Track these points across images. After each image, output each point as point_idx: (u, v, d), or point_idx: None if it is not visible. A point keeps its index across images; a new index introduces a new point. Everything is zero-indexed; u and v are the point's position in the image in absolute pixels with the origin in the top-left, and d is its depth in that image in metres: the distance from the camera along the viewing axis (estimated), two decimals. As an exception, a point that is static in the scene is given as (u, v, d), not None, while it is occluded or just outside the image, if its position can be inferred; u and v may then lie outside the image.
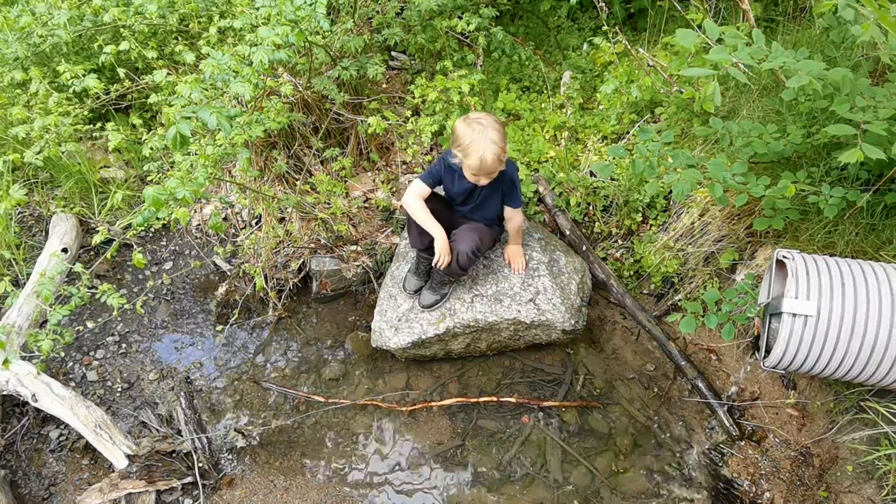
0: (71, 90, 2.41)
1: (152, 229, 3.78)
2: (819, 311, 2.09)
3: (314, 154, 3.68)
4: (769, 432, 3.02)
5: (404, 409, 3.09)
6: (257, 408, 3.10)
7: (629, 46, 3.34)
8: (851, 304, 2.06)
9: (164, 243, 3.79)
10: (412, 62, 4.38)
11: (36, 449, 2.88)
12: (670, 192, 3.60)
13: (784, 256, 2.29)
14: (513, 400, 3.12)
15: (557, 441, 3.00)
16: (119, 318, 3.40)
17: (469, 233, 2.87)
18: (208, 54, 2.12)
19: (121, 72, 2.79)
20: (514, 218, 2.98)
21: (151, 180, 2.99)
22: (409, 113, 3.58)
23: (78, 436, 2.88)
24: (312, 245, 3.60)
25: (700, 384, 3.18)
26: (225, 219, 3.87)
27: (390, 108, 3.86)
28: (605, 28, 3.20)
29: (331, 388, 3.21)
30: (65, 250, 3.25)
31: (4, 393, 2.81)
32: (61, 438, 2.90)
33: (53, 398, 2.71)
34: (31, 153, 2.68)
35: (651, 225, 3.58)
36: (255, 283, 3.38)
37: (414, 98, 3.53)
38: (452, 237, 2.90)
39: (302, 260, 3.55)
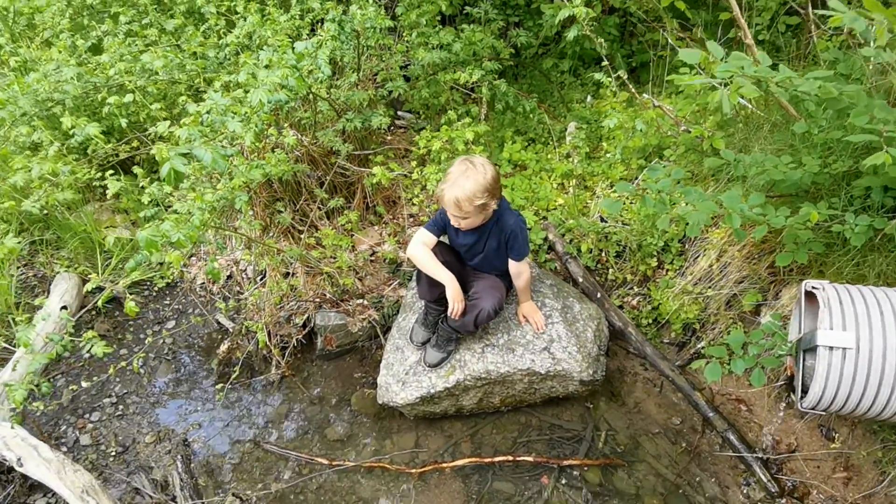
0: (73, 139, 2.40)
1: (156, 288, 3.71)
2: (858, 343, 1.93)
3: (319, 208, 3.64)
4: (812, 488, 2.76)
5: (413, 471, 2.89)
6: (257, 471, 2.91)
7: (634, 92, 3.33)
8: (894, 334, 1.90)
9: (168, 302, 3.70)
10: (417, 120, 4.42)
11: (19, 521, 2.70)
12: (685, 235, 3.49)
13: (814, 287, 2.14)
14: (530, 459, 2.91)
15: (580, 503, 2.76)
16: (117, 379, 3.27)
17: (492, 291, 2.77)
18: (208, 98, 2.10)
19: (123, 122, 2.80)
20: (521, 273, 2.84)
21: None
22: (414, 164, 3.55)
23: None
24: (318, 300, 3.49)
25: (731, 437, 2.95)
26: (229, 276, 3.80)
27: (396, 162, 3.85)
28: (606, 81, 3.19)
29: (335, 449, 3.02)
30: (64, 307, 3.17)
31: (-12, 458, 2.66)
32: (47, 508, 2.72)
33: (39, 462, 2.55)
34: (28, 202, 2.64)
35: (667, 270, 3.44)
36: (257, 340, 3.26)
37: (419, 149, 3.51)
38: (474, 295, 2.80)
39: (307, 315, 3.44)
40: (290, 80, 2.18)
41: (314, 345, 3.47)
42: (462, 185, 2.41)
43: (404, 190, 3.64)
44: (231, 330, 3.44)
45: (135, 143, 3.54)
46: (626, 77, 3.38)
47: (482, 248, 2.80)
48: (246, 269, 3.77)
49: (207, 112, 2.00)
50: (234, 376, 3.12)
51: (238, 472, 2.91)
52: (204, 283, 3.76)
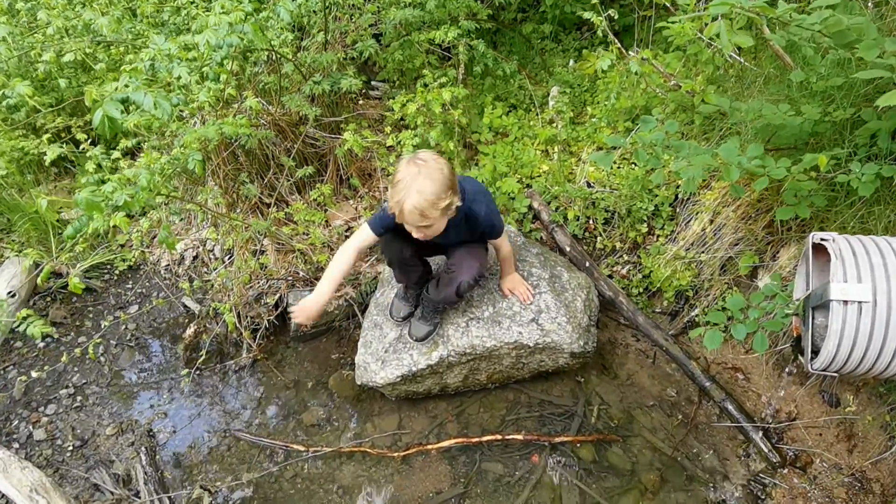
0: (3, 104, 2.16)
1: (117, 271, 3.46)
2: (875, 296, 1.77)
3: (288, 180, 3.41)
4: (815, 456, 2.64)
5: (397, 454, 2.70)
6: (229, 462, 2.70)
7: (621, 46, 3.14)
8: (912, 284, 1.74)
9: (130, 286, 3.46)
10: (392, 90, 4.19)
11: (-32, 523, 2.47)
12: (675, 198, 3.33)
13: (823, 239, 1.98)
14: (520, 437, 2.74)
15: (574, 482, 2.61)
16: (75, 369, 3.03)
17: (469, 260, 2.52)
18: (148, 43, 1.87)
19: (62, 82, 2.54)
20: (500, 247, 2.63)
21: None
22: (388, 130, 3.34)
23: (17, 504, 2.48)
24: (290, 278, 3.28)
25: (729, 406, 2.82)
26: (195, 257, 3.56)
27: (370, 130, 3.63)
28: (597, 20, 2.98)
29: (313, 435, 2.82)
30: (11, 294, 2.92)
31: (-70, 457, 2.43)
32: (-2, 509, 2.49)
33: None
34: None
35: (658, 236, 3.28)
36: (226, 323, 3.04)
37: (394, 114, 3.29)
38: (451, 266, 2.57)
39: (279, 295, 3.23)
40: (245, 26, 1.95)
41: (288, 326, 3.26)
42: (420, 188, 2.02)
43: (379, 159, 3.43)
44: (198, 313, 3.21)
45: (87, 118, 3.28)
46: (610, 33, 3.18)
47: (449, 237, 2.45)
48: (213, 249, 3.53)
49: (150, 59, 1.77)
50: (200, 361, 2.90)
51: (208, 462, 2.70)
52: (169, 265, 3.52)
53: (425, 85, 3.35)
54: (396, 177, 2.08)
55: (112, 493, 2.49)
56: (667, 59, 3.31)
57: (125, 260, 3.42)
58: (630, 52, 3.35)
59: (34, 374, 2.82)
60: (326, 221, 3.51)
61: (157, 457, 2.68)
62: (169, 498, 2.47)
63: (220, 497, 2.53)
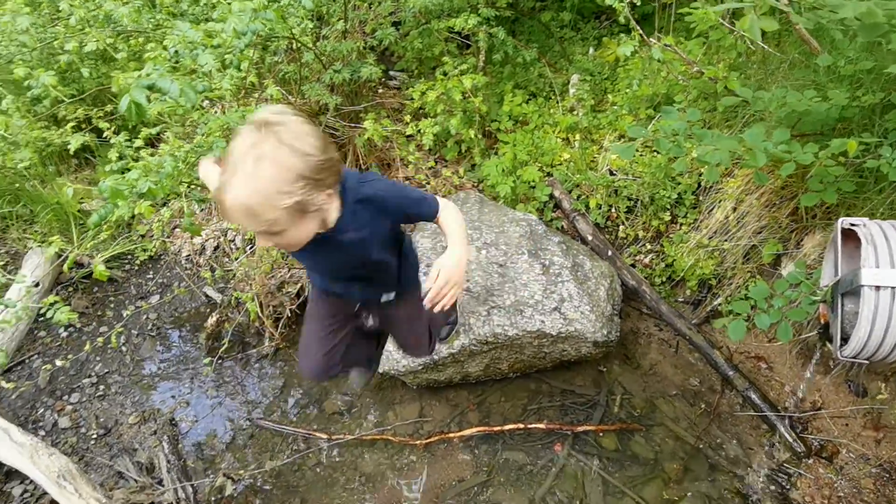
0: (31, 92, 2.17)
1: (138, 261, 3.48)
2: (909, 280, 1.74)
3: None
4: (841, 447, 2.60)
5: (419, 442, 2.71)
6: (251, 450, 2.72)
7: (642, 33, 3.09)
8: (948, 269, 1.71)
9: (151, 276, 3.48)
10: (410, 79, 4.18)
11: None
12: (698, 187, 3.29)
13: (853, 224, 1.94)
14: (542, 426, 2.74)
15: (597, 471, 2.60)
16: (98, 358, 3.06)
17: (409, 324, 2.03)
18: (172, 28, 1.87)
19: (85, 71, 2.55)
20: (445, 223, 1.66)
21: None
22: (408, 118, 3.32)
23: (43, 491, 2.51)
24: (309, 268, 3.28)
25: (753, 396, 2.79)
26: (217, 247, 3.57)
27: (389, 120, 3.62)
28: (618, 6, 2.93)
29: (335, 423, 2.83)
30: (36, 284, 2.95)
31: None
32: (25, 495, 2.52)
33: (11, 446, 2.35)
34: None
35: (681, 224, 3.24)
36: (248, 312, 3.05)
37: (413, 102, 3.28)
38: (401, 342, 2.19)
39: (300, 284, 3.23)
40: (268, 12, 1.94)
41: (307, 315, 3.26)
42: (250, 176, 1.25)
43: (399, 149, 3.41)
44: (220, 302, 3.23)
45: (108, 108, 3.29)
46: (633, 20, 3.14)
47: (358, 261, 1.65)
48: (234, 239, 3.55)
49: (174, 46, 1.77)
50: (222, 349, 2.92)
51: (230, 451, 2.72)
52: (190, 255, 3.53)
53: (445, 73, 3.33)
54: (230, 147, 1.30)
55: (136, 480, 2.51)
56: (688, 46, 3.26)
57: (146, 250, 3.44)
58: (651, 40, 3.31)
59: (59, 363, 2.85)
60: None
61: (180, 445, 2.70)
62: (192, 486, 2.49)
63: (243, 485, 2.54)
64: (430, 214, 1.63)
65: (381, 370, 2.82)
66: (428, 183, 3.45)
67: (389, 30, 3.31)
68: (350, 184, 1.47)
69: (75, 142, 2.38)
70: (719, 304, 3.10)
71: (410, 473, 2.62)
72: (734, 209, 3.05)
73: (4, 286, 3.00)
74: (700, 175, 3.24)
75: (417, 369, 2.72)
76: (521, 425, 2.75)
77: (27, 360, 3.02)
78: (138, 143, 2.30)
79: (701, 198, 3.26)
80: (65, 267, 2.22)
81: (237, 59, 1.83)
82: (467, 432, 2.73)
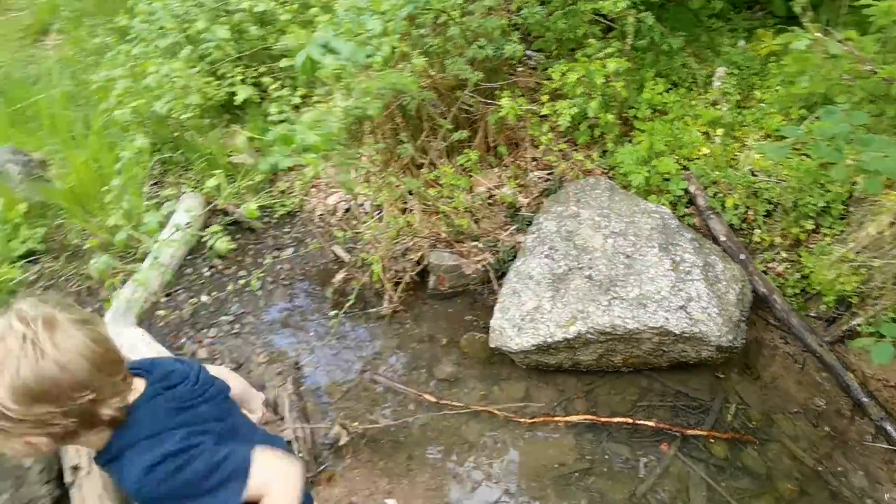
0: (205, 45, 2.37)
1: (276, 215, 3.72)
2: None
3: (440, 145, 3.49)
4: None
5: (523, 420, 2.74)
6: (364, 402, 2.87)
7: (821, 32, 2.88)
8: None
9: (287, 230, 3.72)
10: (548, 60, 4.14)
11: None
12: (850, 196, 3.05)
13: None
14: (651, 424, 2.69)
15: (703, 476, 2.53)
16: (235, 299, 3.32)
17: None
18: None
19: (253, 28, 2.74)
20: None
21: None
22: (545, 98, 3.30)
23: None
24: (432, 238, 3.38)
25: (889, 427, 2.59)
26: (347, 210, 3.76)
27: (524, 99, 3.62)
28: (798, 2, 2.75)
29: (443, 389, 2.92)
30: (188, 224, 3.24)
31: (119, 358, 2.78)
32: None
33: (163, 366, 2.62)
34: (160, 103, 2.67)
35: (825, 234, 3.03)
36: (372, 272, 3.20)
37: (552, 82, 3.26)
38: None
39: (421, 253, 3.34)
40: (432, -16, 2.00)
41: (426, 283, 3.37)
42: None
43: (532, 128, 3.41)
44: (347, 261, 3.41)
45: (262, 69, 3.52)
46: (806, 12, 2.93)
47: None
48: (363, 204, 3.71)
49: (345, 11, 1.87)
50: (348, 305, 3.08)
51: (345, 400, 2.88)
52: (323, 214, 3.74)
53: (587, 55, 3.27)
54: None
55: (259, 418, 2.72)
56: (861, 42, 3.01)
57: (284, 206, 3.67)
58: (820, 34, 3.08)
59: (203, 299, 3.12)
60: (470, 187, 3.56)
61: (302, 388, 2.90)
62: (310, 428, 2.67)
63: (355, 434, 2.68)
64: None
65: (492, 345, 2.87)
66: (558, 165, 3.43)
67: (536, 8, 3.30)
68: (127, 433, 1.19)
69: (241, 93, 2.58)
70: (858, 325, 2.88)
71: (512, 449, 2.67)
72: (892, 224, 2.81)
73: (161, 223, 3.33)
74: (854, 184, 3.01)
75: (530, 349, 2.75)
76: (630, 420, 2.71)
77: (174, 293, 3.34)
78: (296, 100, 2.46)
79: (852, 208, 3.03)
80: (221, 201, 2.43)
81: (399, 28, 1.91)
82: (573, 418, 2.73)
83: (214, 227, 2.33)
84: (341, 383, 2.96)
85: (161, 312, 2.99)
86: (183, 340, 3.13)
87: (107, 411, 1.14)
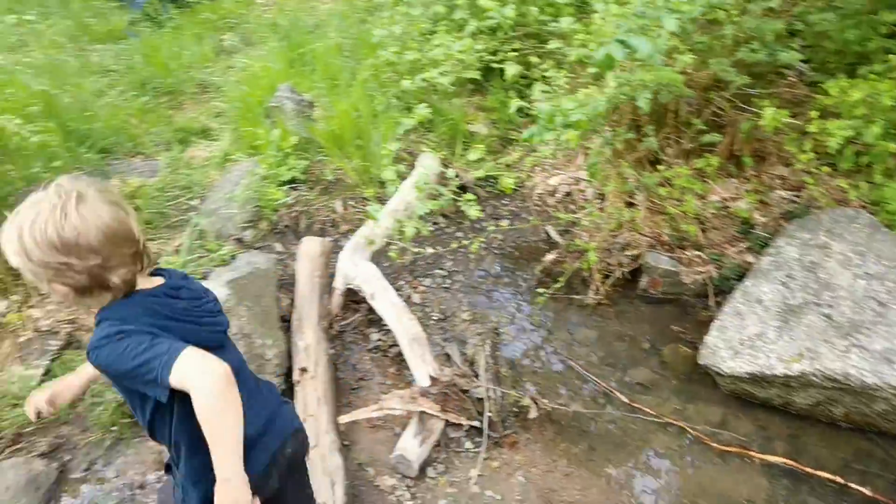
0: (488, 22, 2.53)
1: (498, 186, 3.87)
2: None
3: (685, 145, 3.36)
4: None
5: (715, 446, 2.61)
6: (555, 383, 2.93)
7: None
8: None
9: (506, 203, 3.87)
10: (814, 73, 3.76)
11: (357, 343, 3.14)
12: None
13: None
14: (866, 492, 2.41)
15: (920, 567, 2.22)
16: (450, 257, 3.55)
17: None
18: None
19: (534, 9, 2.84)
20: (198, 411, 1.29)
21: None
22: (814, 114, 3.02)
23: (391, 345, 3.07)
24: (653, 238, 3.30)
25: None
26: (567, 194, 3.80)
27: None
28: None
29: (635, 391, 2.88)
30: (427, 183, 3.50)
31: (350, 286, 3.12)
32: (378, 342, 3.12)
33: (387, 302, 2.91)
34: (438, 73, 2.91)
35: None
36: (582, 260, 3.22)
37: (826, 97, 2.96)
38: None
39: (638, 251, 3.28)
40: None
41: (636, 282, 3.31)
42: (18, 217, 1.30)
43: (788, 144, 3.14)
44: (560, 243, 3.46)
45: (516, 45, 3.64)
46: None
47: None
48: (586, 190, 3.72)
49: (641, 6, 1.87)
50: (555, 287, 3.13)
51: (537, 377, 2.96)
52: (542, 193, 3.82)
53: (875, 73, 2.92)
54: None
55: (458, 366, 2.90)
56: None
57: (508, 178, 3.80)
58: None
59: (428, 250, 3.37)
60: (704, 194, 3.40)
61: (498, 353, 3.03)
62: (501, 392, 2.79)
63: (543, 412, 2.75)
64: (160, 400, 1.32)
65: (700, 362, 2.76)
66: (810, 188, 3.14)
67: (826, 14, 3.00)
68: (103, 315, 1.37)
69: (511, 69, 2.71)
70: None
71: (698, 471, 2.56)
72: None
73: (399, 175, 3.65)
74: None
75: (741, 376, 2.60)
76: (840, 479, 2.45)
77: (390, 244, 3.64)
78: (560, 81, 2.53)
79: None
80: (480, 172, 2.60)
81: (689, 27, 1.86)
82: (773, 458, 2.54)
83: (469, 196, 2.56)
84: (535, 359, 3.04)
85: (392, 254, 3.29)
86: (401, 283, 3.42)
87: (114, 279, 1.34)
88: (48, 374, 2.99)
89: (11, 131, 3.06)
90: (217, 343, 1.52)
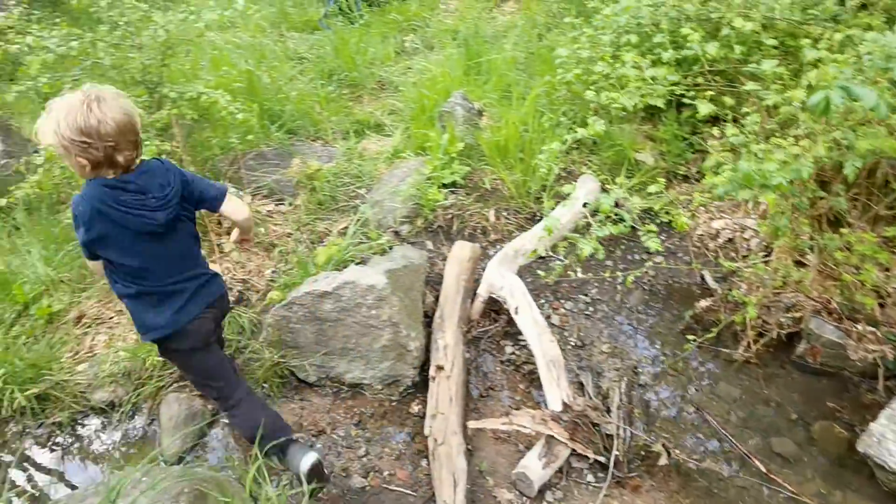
0: (684, 51, 2.47)
1: (658, 220, 3.77)
2: None
3: (868, 207, 3.08)
4: None
5: (861, 543, 2.39)
6: (687, 434, 2.82)
7: None
8: None
9: (662, 238, 3.76)
10: None
11: (491, 352, 3.21)
12: None
13: None
14: None
15: None
16: (596, 284, 3.52)
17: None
18: (862, 40, 1.84)
19: (710, 47, 2.73)
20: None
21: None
22: None
23: (524, 360, 3.11)
24: (820, 304, 3.06)
25: None
26: (730, 239, 3.62)
27: None
28: None
29: (774, 462, 2.70)
30: (585, 204, 3.49)
31: (494, 295, 3.20)
32: (512, 355, 3.17)
33: (529, 319, 2.95)
34: (625, 97, 2.90)
35: None
36: (738, 313, 3.05)
37: None
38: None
39: (801, 315, 3.06)
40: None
41: (793, 347, 3.10)
42: (48, 112, 1.92)
43: None
44: (715, 291, 3.32)
45: (704, 80, 3.51)
46: None
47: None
48: (750, 239, 3.53)
49: (868, 53, 1.76)
50: (707, 336, 3.01)
51: (670, 424, 2.87)
52: (703, 235, 3.67)
53: None
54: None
55: (591, 397, 2.88)
56: None
57: (668, 215, 3.68)
58: None
59: (577, 273, 3.37)
60: (888, 266, 3.09)
61: (633, 392, 2.97)
62: (631, 432, 2.73)
63: (672, 461, 2.66)
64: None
65: (860, 449, 2.53)
66: None
67: None
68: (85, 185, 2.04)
69: (704, 108, 2.65)
70: None
71: (838, 566, 2.36)
72: None
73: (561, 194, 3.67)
74: None
75: (908, 475, 2.35)
76: None
77: (550, 258, 3.67)
78: (754, 126, 2.43)
79: None
80: (645, 203, 2.58)
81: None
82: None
83: (650, 226, 2.57)
84: (671, 406, 2.95)
85: (540, 272, 3.32)
86: (542, 301, 3.45)
87: (120, 158, 1.97)
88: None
89: (222, 106, 3.43)
90: (148, 231, 2.09)
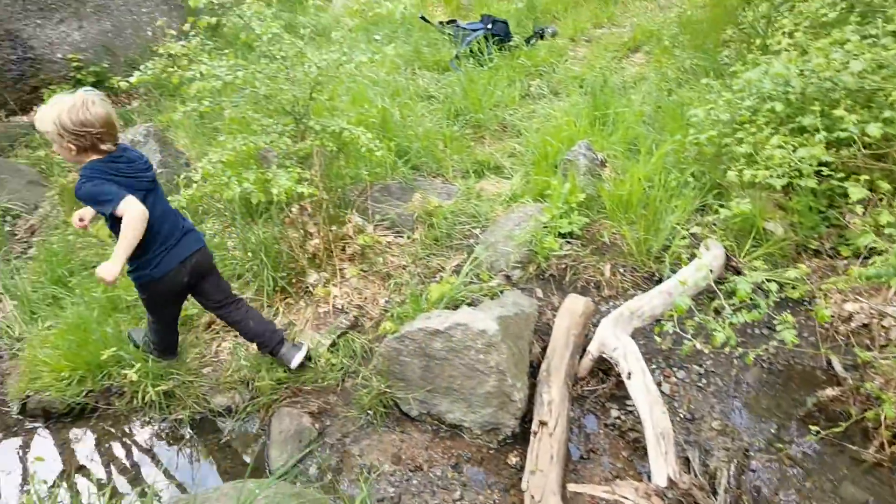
0: (838, 133, 2.37)
1: (778, 293, 3.57)
2: None
3: None
4: None
5: None
6: (802, 534, 2.63)
7: None
8: None
9: (785, 312, 3.55)
10: None
11: (595, 413, 3.15)
12: None
13: None
14: None
15: None
16: (711, 355, 3.38)
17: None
18: None
19: (872, 128, 2.58)
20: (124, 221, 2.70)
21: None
22: None
23: (630, 427, 3.03)
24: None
25: None
26: (865, 325, 3.37)
27: None
28: None
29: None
30: (711, 271, 3.37)
31: (605, 355, 3.15)
32: (617, 420, 3.10)
33: (642, 386, 2.87)
34: (765, 173, 2.82)
35: None
36: (871, 408, 2.83)
37: None
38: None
39: (946, 420, 2.79)
40: None
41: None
42: (50, 106, 2.60)
43: None
44: (843, 380, 3.09)
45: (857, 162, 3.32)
46: None
47: None
48: (890, 329, 3.26)
49: None
50: (832, 430, 2.80)
51: (780, 518, 2.68)
52: (833, 315, 3.43)
53: None
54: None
55: (697, 476, 2.75)
56: None
57: (795, 289, 3.49)
58: None
59: (699, 346, 3.25)
60: None
61: (743, 477, 2.81)
62: (735, 521, 2.58)
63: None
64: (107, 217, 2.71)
65: None
66: None
67: None
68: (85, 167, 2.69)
69: (856, 193, 2.52)
70: None
71: None
72: None
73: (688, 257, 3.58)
74: None
75: None
76: None
77: (649, 331, 3.56)
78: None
79: None
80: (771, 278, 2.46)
81: None
82: None
83: (787, 317, 2.49)
84: (785, 499, 2.76)
85: (658, 338, 3.23)
86: (653, 366, 3.35)
87: (104, 146, 2.66)
88: (334, 346, 3.51)
89: (363, 143, 3.63)
90: (146, 188, 2.77)
